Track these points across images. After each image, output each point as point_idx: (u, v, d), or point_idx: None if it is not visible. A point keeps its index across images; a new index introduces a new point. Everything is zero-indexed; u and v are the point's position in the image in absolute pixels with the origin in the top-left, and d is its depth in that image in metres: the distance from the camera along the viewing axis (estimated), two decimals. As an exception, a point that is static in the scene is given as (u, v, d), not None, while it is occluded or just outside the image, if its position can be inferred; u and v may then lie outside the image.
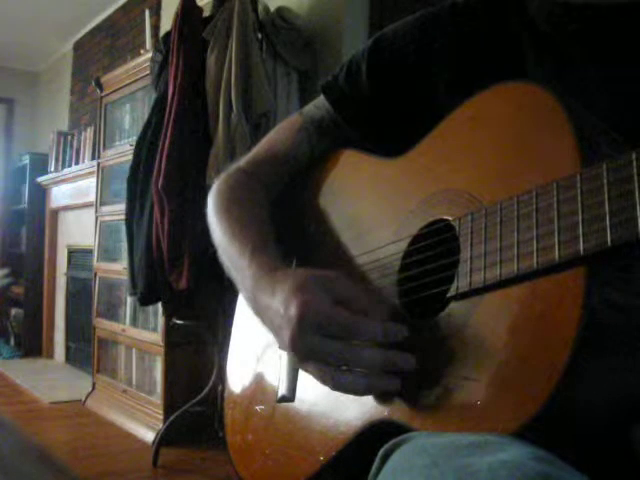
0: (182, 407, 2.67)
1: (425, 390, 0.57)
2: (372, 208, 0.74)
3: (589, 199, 0.47)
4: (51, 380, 4.16)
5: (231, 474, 0.79)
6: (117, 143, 3.50)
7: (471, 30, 0.72)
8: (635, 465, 0.51)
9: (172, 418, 2.66)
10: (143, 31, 3.79)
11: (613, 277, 0.48)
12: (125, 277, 2.82)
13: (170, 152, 2.37)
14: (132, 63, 3.30)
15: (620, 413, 0.51)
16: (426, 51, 0.74)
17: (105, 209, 3.56)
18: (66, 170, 4.60)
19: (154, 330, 3.02)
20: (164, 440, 2.62)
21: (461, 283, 0.56)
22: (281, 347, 0.64)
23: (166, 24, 3.50)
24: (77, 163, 4.55)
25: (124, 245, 2.95)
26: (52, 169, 4.89)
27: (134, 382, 3.20)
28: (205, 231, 0.83)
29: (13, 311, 5.41)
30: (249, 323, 0.85)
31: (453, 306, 0.57)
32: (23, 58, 5.60)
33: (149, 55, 2.91)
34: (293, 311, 0.58)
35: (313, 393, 0.69)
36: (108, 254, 3.53)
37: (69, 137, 4.77)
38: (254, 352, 0.82)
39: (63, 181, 4.65)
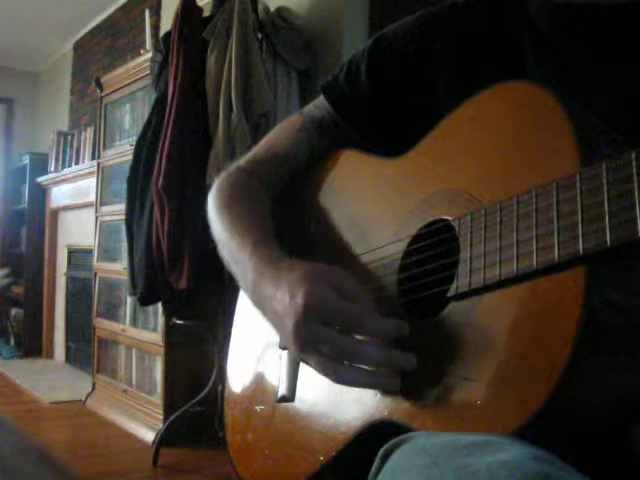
0: (182, 407, 2.67)
1: (425, 390, 0.57)
2: (372, 208, 0.74)
3: (589, 199, 0.47)
4: (51, 380, 4.16)
5: (231, 474, 0.79)
6: (117, 143, 3.50)
7: (471, 30, 0.72)
8: (635, 465, 0.51)
9: (172, 418, 2.66)
10: (143, 31, 3.79)
11: (613, 277, 0.48)
12: (125, 277, 2.82)
13: (170, 152, 2.37)
14: (132, 63, 3.30)
15: (620, 413, 0.51)
16: (426, 51, 0.74)
17: (105, 209, 3.56)
18: (66, 170, 4.60)
19: (154, 330, 3.02)
20: (164, 440, 2.62)
21: (461, 283, 0.56)
22: (283, 337, 0.64)
23: (166, 24, 3.50)
24: (77, 163, 4.55)
25: (124, 245, 2.95)
26: (52, 169, 4.89)
27: (134, 382, 3.20)
28: (205, 231, 0.83)
29: (13, 311, 5.41)
30: (249, 323, 0.85)
31: (453, 306, 0.57)
32: (23, 58, 5.60)
33: (149, 55, 2.91)
34: (299, 299, 0.59)
35: (313, 393, 0.69)
36: (108, 254, 3.53)
37: (69, 137, 4.77)
38: (254, 352, 0.82)
39: (63, 181, 4.65)
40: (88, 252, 4.00)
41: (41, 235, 5.06)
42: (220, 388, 2.55)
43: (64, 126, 5.15)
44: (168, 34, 2.56)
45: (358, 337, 0.59)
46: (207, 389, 2.64)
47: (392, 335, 0.59)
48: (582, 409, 0.49)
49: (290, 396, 0.68)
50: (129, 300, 3.24)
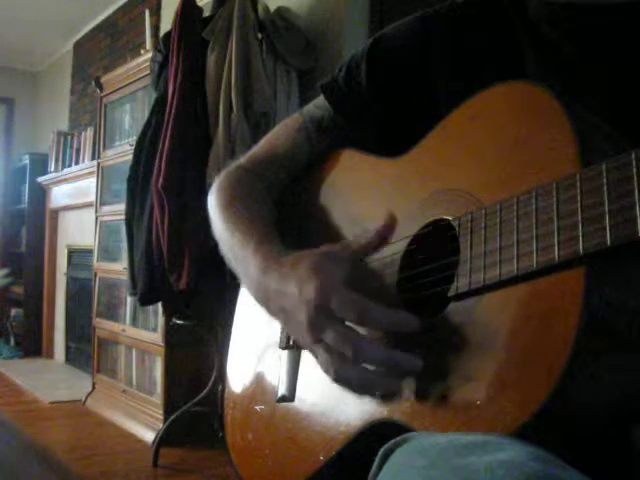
0: (182, 407, 2.68)
1: (425, 390, 0.57)
2: (372, 208, 0.74)
3: (589, 199, 0.47)
4: (51, 380, 4.16)
5: (231, 474, 0.79)
6: (117, 143, 3.50)
7: (471, 30, 0.72)
8: (635, 465, 0.51)
9: (172, 418, 2.66)
10: (143, 31, 3.79)
11: (613, 277, 0.48)
12: (125, 277, 2.82)
13: (170, 152, 2.37)
14: (132, 63, 3.30)
15: (620, 413, 0.51)
16: (426, 51, 0.74)
17: (105, 209, 3.56)
18: (66, 170, 4.61)
19: (154, 330, 3.02)
20: (164, 440, 2.62)
21: (461, 283, 0.56)
22: (292, 332, 0.64)
23: (166, 24, 3.50)
24: (77, 163, 4.55)
25: (124, 245, 2.95)
26: (52, 169, 4.89)
27: (134, 382, 3.20)
28: (206, 231, 0.83)
29: (13, 311, 5.41)
30: (249, 323, 0.85)
31: (453, 306, 0.57)
32: (23, 58, 5.60)
33: (149, 55, 2.91)
34: (311, 293, 0.59)
35: (313, 393, 0.69)
36: (108, 254, 3.53)
37: (69, 137, 4.78)
38: (254, 352, 0.82)
39: (63, 181, 4.65)
40: (88, 252, 4.01)
41: (41, 235, 5.06)
42: (220, 388, 2.55)
43: (64, 126, 5.15)
44: (168, 34, 2.57)
45: (364, 334, 0.59)
46: (207, 389, 2.64)
47: (401, 328, 0.58)
48: (582, 409, 0.49)
49: (290, 396, 0.68)
50: (129, 300, 3.24)
